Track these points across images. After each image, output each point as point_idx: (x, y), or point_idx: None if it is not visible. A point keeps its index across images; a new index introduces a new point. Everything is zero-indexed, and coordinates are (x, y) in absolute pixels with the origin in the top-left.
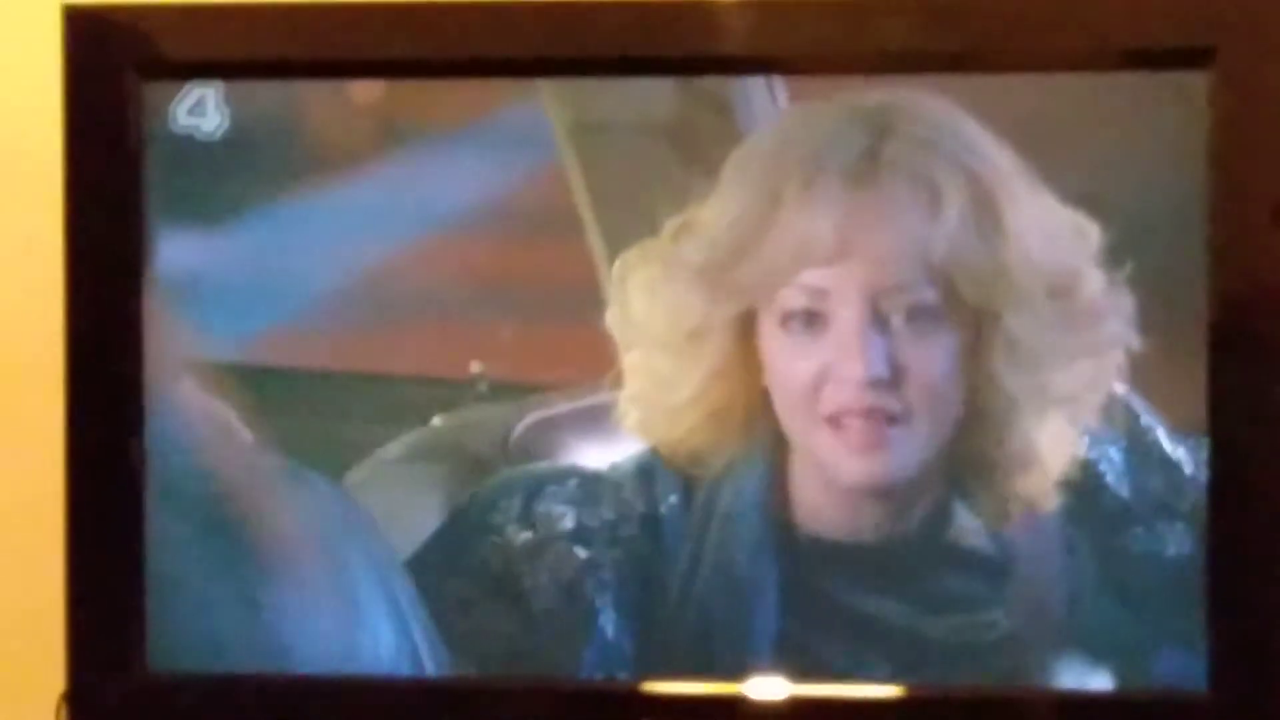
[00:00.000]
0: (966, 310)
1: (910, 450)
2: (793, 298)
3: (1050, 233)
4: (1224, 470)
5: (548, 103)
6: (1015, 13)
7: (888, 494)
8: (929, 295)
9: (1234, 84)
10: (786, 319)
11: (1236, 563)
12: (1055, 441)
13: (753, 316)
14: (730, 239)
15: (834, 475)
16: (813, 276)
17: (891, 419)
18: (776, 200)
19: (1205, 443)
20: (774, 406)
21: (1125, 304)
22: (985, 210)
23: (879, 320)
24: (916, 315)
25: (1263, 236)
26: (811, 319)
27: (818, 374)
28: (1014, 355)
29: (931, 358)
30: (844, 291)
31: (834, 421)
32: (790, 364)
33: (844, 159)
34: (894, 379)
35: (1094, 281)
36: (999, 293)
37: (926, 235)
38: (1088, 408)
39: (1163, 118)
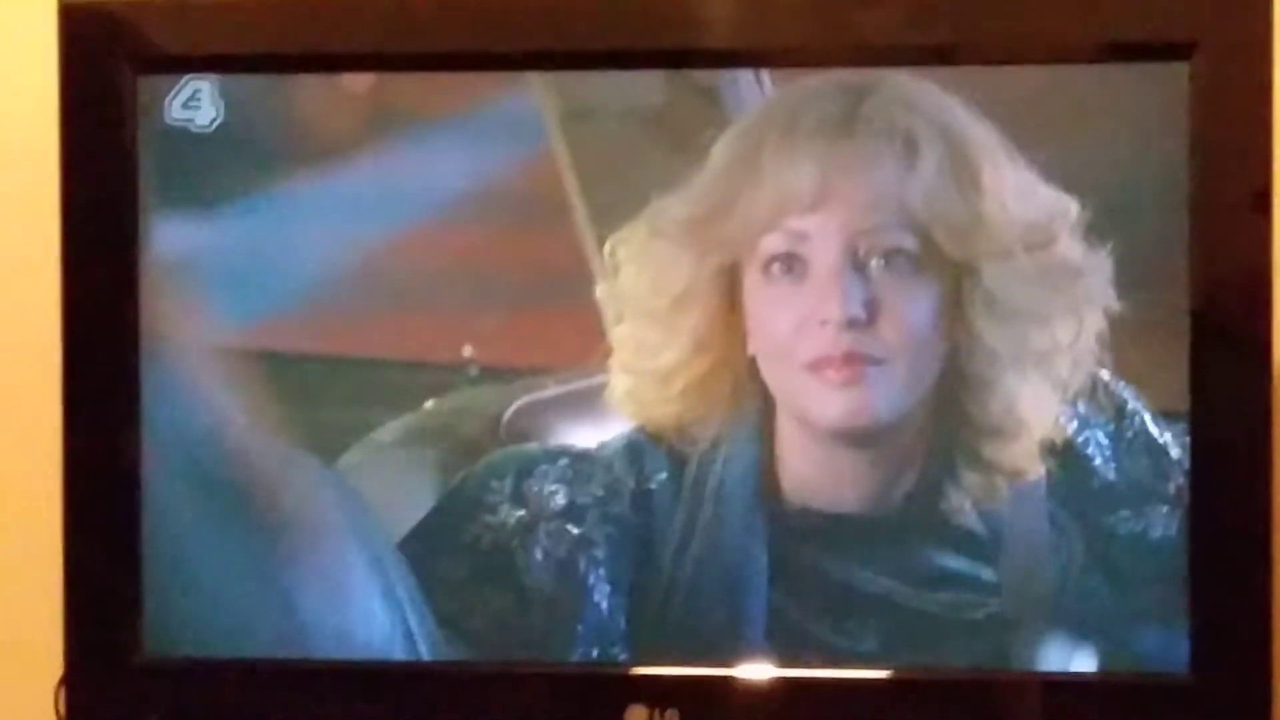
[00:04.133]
0: (945, 262)
1: (888, 392)
2: (774, 242)
3: (1028, 194)
4: (1205, 454)
5: (537, 91)
6: (1000, 6)
7: (870, 447)
8: (906, 241)
9: (1214, 75)
10: (768, 266)
11: (1217, 546)
12: (1037, 404)
13: (737, 275)
14: (714, 192)
15: (815, 420)
16: (794, 223)
17: (870, 362)
18: (758, 155)
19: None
20: (759, 370)
21: (1104, 264)
22: (962, 165)
23: (857, 263)
24: (894, 259)
25: (1243, 223)
26: (792, 264)
27: (798, 321)
28: (993, 309)
29: (909, 303)
30: (823, 235)
31: (814, 368)
32: (772, 313)
33: (822, 114)
34: (871, 321)
35: (1072, 241)
36: (976, 244)
37: (903, 184)
38: (1068, 371)
39: (1144, 107)
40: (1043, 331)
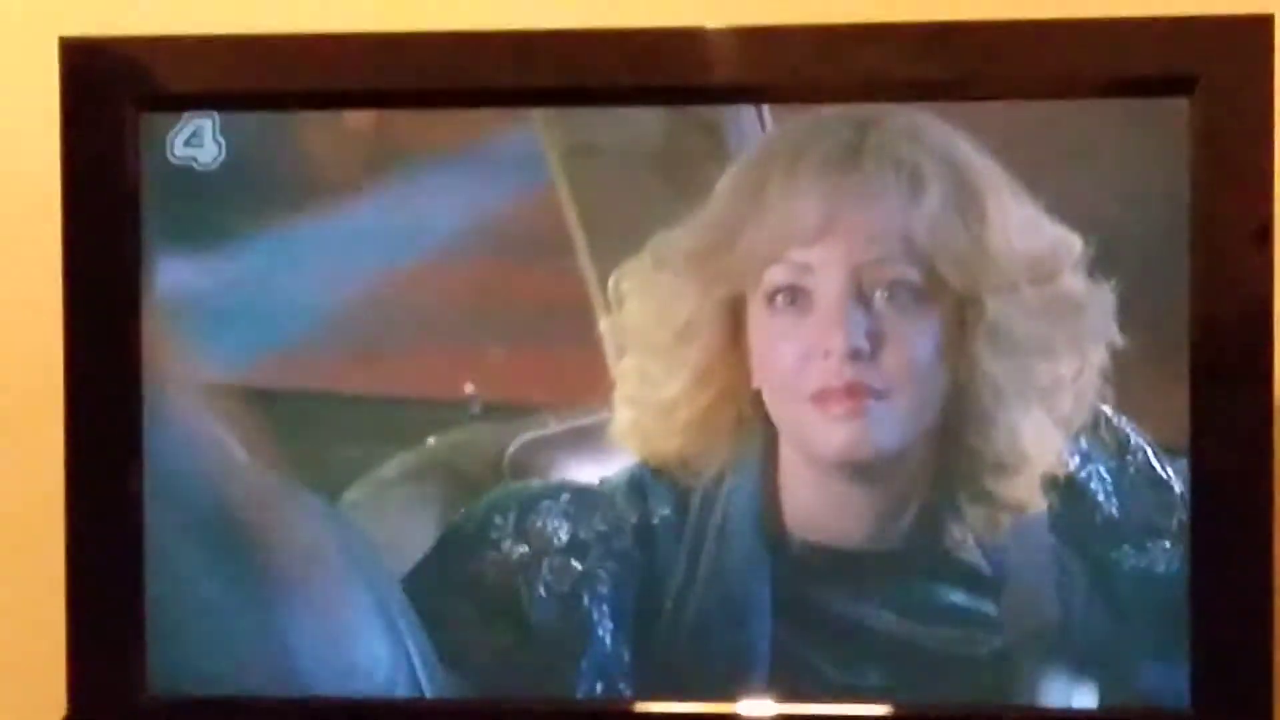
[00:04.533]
0: (949, 294)
1: (892, 428)
2: (778, 275)
3: (1031, 228)
4: (1206, 489)
5: (540, 128)
6: (1001, 41)
7: (873, 480)
8: (911, 273)
9: (1215, 110)
10: (772, 298)
11: (1219, 581)
12: (1039, 438)
13: (741, 307)
14: (718, 225)
15: (819, 454)
16: (797, 255)
17: (873, 395)
18: (762, 187)
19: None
20: (763, 403)
21: (1107, 298)
22: (968, 197)
23: (861, 296)
24: (898, 292)
25: (1243, 259)
26: (795, 296)
27: (802, 354)
28: (996, 342)
29: (912, 335)
30: (827, 266)
31: (817, 400)
32: (776, 346)
33: (827, 147)
34: (874, 353)
35: (1076, 276)
36: (981, 276)
37: (908, 216)
38: (1071, 406)
39: (1146, 142)
40: (1046, 365)
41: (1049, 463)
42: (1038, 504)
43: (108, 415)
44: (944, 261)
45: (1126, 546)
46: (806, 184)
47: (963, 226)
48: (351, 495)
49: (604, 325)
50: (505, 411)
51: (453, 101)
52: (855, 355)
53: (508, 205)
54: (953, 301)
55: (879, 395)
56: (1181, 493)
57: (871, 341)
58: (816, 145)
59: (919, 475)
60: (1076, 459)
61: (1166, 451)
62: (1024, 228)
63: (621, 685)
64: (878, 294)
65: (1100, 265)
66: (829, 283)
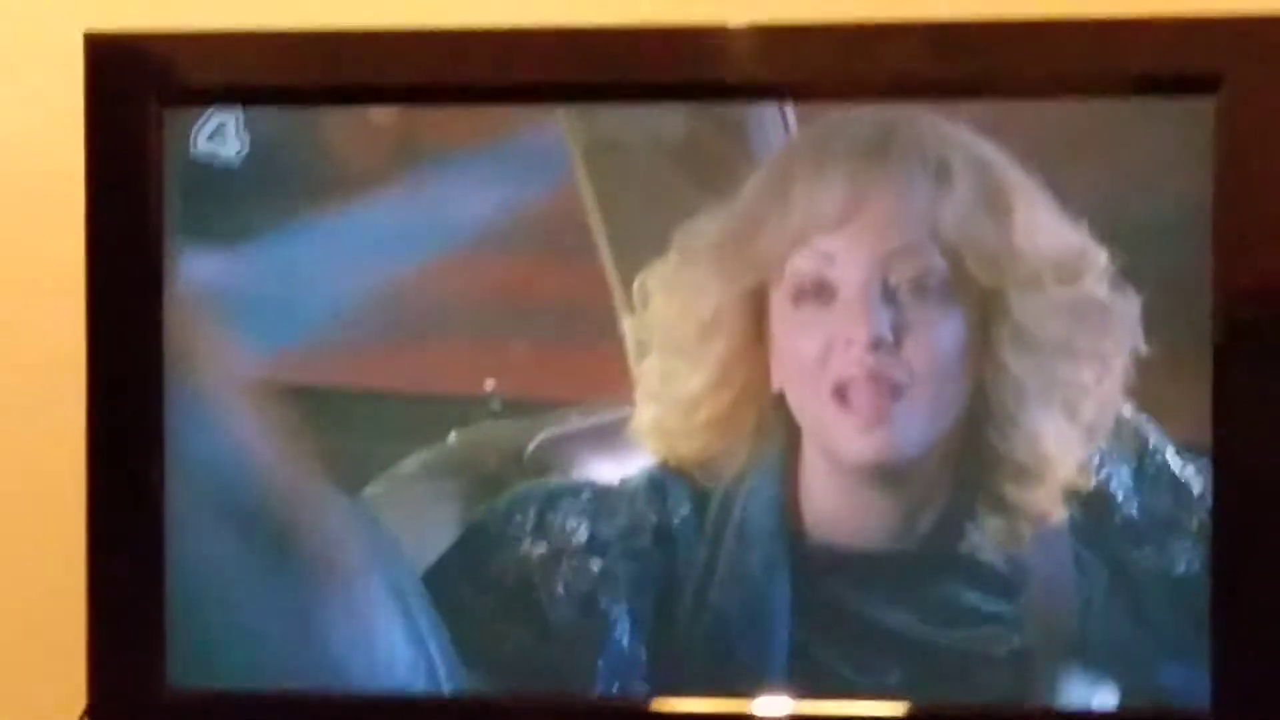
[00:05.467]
0: (974, 290)
1: (914, 427)
2: (802, 265)
3: (1055, 227)
4: (1227, 489)
5: (563, 124)
6: (1025, 40)
7: (894, 482)
8: (936, 265)
9: (1240, 109)
10: (796, 290)
11: (1240, 582)
12: (1061, 439)
13: (764, 303)
14: (744, 214)
15: (841, 454)
16: (822, 243)
17: (895, 389)
18: (787, 177)
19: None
20: (785, 402)
21: (1130, 299)
22: (994, 192)
23: (886, 287)
24: (923, 284)
25: (1268, 259)
26: (820, 289)
27: (825, 345)
28: (1021, 342)
29: (937, 329)
30: (851, 256)
31: (840, 394)
32: (799, 338)
33: (853, 139)
34: (898, 345)
35: (1100, 278)
36: (1006, 271)
37: (935, 206)
38: (1093, 406)
39: (1170, 142)
40: (1069, 366)
41: (1070, 466)
42: (1059, 511)
43: (130, 409)
44: (969, 254)
45: (1147, 547)
46: (831, 171)
47: (990, 221)
48: (372, 490)
49: (627, 323)
50: (526, 408)
51: (477, 98)
52: (878, 345)
53: (530, 202)
54: (977, 296)
55: (901, 390)
56: (1202, 493)
57: (895, 332)
58: (842, 137)
59: (940, 477)
60: (1098, 460)
61: (1188, 452)
62: (1050, 228)
63: (639, 683)
64: (903, 284)
65: (1124, 264)
66: (852, 272)
